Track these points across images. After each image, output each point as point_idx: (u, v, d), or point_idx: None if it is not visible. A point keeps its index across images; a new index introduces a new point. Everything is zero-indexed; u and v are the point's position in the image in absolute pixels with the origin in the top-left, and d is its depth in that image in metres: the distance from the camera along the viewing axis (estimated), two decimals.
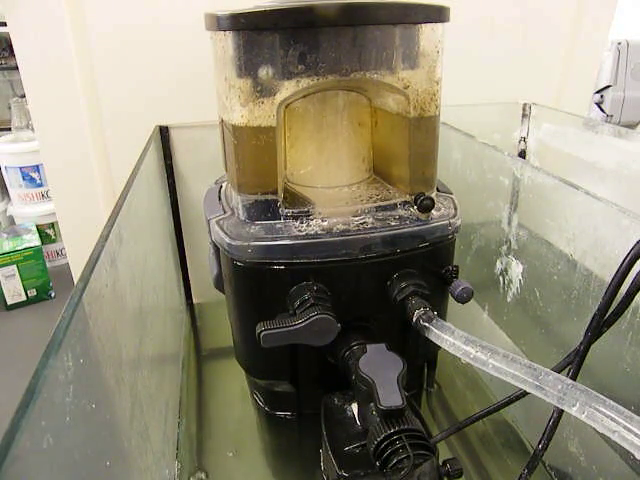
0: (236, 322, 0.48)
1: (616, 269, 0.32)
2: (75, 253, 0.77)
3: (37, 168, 1.70)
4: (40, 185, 1.73)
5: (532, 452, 0.38)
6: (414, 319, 0.39)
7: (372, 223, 0.43)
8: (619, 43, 1.89)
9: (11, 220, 1.79)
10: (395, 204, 0.45)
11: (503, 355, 0.32)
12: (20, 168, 1.69)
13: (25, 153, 1.68)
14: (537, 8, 0.78)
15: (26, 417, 0.20)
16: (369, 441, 0.35)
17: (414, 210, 0.45)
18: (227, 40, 0.39)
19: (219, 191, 0.51)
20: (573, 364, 0.36)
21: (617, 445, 0.25)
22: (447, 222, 0.44)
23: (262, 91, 0.39)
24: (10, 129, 1.74)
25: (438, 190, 0.49)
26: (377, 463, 0.34)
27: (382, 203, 0.45)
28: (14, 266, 1.48)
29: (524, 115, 0.81)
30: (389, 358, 0.39)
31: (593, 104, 1.96)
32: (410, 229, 0.43)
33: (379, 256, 0.43)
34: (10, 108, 1.74)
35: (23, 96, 1.60)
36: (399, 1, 0.39)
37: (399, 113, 0.44)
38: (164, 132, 0.71)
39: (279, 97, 0.40)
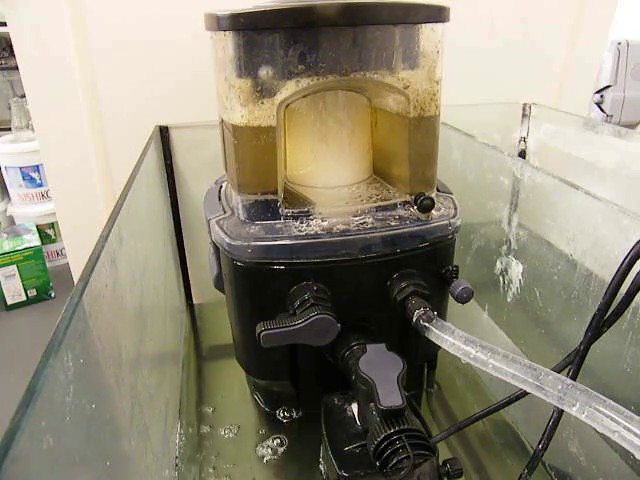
0: (236, 322, 0.48)
1: (616, 269, 0.32)
2: (75, 253, 0.77)
3: (37, 168, 1.70)
4: (40, 185, 1.73)
5: (532, 452, 0.38)
6: (414, 319, 0.39)
7: (372, 223, 0.43)
8: (619, 43, 1.89)
9: (11, 220, 1.78)
10: (395, 204, 0.45)
11: (503, 355, 0.32)
12: (20, 168, 1.69)
13: (25, 153, 1.67)
14: (537, 8, 0.78)
15: (26, 417, 0.20)
16: (369, 441, 0.35)
17: (414, 210, 0.45)
18: (227, 40, 0.39)
19: (219, 191, 0.51)
20: (573, 364, 0.36)
21: (617, 445, 0.25)
22: (447, 222, 0.44)
23: (262, 91, 0.39)
24: (10, 129, 1.74)
25: (438, 190, 0.49)
26: (377, 463, 0.34)
27: (382, 203, 0.45)
28: (14, 266, 1.48)
29: (524, 115, 0.81)
30: (389, 358, 0.39)
31: (593, 104, 1.96)
32: (410, 229, 0.43)
33: (379, 256, 0.43)
34: (10, 108, 1.74)
35: (23, 96, 1.60)
36: (399, 1, 0.39)
37: (399, 113, 0.44)
38: (164, 132, 0.71)
39: (279, 97, 0.40)
